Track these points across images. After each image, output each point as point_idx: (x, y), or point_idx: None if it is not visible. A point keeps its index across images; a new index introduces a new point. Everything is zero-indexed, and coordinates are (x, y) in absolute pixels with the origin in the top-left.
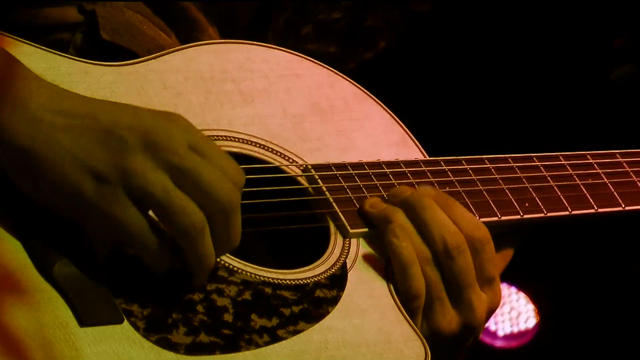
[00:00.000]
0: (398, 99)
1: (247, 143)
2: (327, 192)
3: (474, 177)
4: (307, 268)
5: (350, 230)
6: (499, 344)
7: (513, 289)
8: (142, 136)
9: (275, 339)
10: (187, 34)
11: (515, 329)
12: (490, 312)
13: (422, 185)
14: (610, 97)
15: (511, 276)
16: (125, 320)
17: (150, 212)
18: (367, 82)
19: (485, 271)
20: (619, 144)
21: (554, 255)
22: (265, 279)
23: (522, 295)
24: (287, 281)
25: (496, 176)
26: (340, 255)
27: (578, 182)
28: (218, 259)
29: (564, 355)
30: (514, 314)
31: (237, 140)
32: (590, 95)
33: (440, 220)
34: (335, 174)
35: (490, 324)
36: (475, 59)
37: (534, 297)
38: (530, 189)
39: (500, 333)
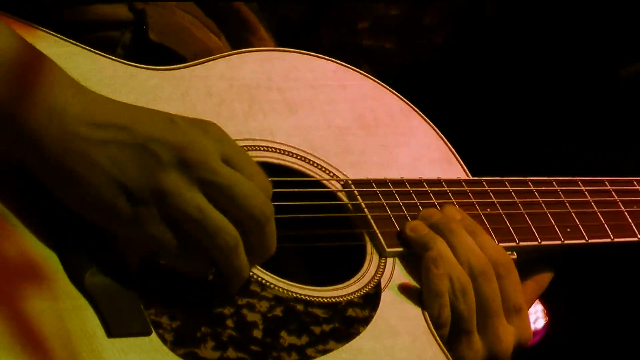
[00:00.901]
0: (443, 114)
1: (286, 154)
2: (365, 210)
3: (516, 200)
4: (340, 286)
5: (387, 250)
6: None
7: None
8: (176, 153)
9: (304, 357)
10: (238, 35)
11: None
12: (519, 345)
13: (447, 206)
14: (621, 95)
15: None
16: (154, 332)
17: None
18: (411, 96)
19: (510, 299)
20: (631, 144)
21: (564, 256)
22: (298, 295)
23: None
24: (320, 299)
25: (539, 200)
26: (375, 274)
27: (623, 209)
28: (251, 273)
29: (573, 356)
30: None
31: (277, 151)
32: (599, 94)
33: (467, 245)
34: (375, 190)
35: None
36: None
37: (543, 298)
38: (573, 214)
39: None
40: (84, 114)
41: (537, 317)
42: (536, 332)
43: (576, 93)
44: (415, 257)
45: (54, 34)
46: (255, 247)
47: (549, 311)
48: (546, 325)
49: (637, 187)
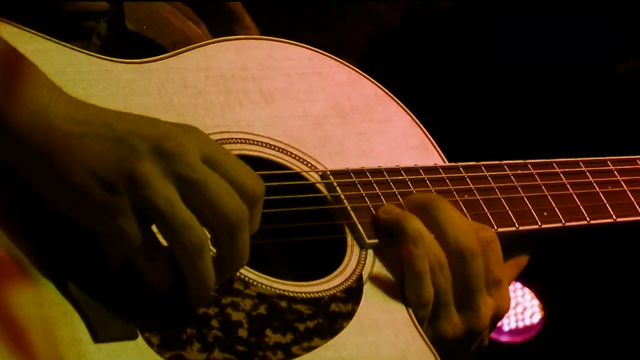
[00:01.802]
0: (418, 99)
1: (265, 146)
2: (345, 201)
3: (493, 185)
4: (323, 280)
5: (367, 241)
6: (504, 338)
7: (518, 284)
8: (154, 143)
9: (289, 355)
10: (222, 24)
11: (521, 324)
12: (497, 317)
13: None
14: (616, 92)
15: None
16: (140, 336)
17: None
18: (387, 82)
19: (492, 273)
20: (626, 141)
21: (559, 250)
22: (281, 291)
23: (527, 290)
24: (303, 294)
25: (515, 184)
26: (356, 267)
27: (598, 190)
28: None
29: (569, 350)
30: (519, 309)
31: (256, 143)
32: (595, 91)
33: (453, 220)
34: (354, 181)
35: None
36: (494, 61)
37: (539, 293)
38: (549, 197)
39: (506, 328)
40: (66, 112)
41: (533, 311)
42: (532, 327)
43: (567, 86)
44: (394, 247)
45: (29, 30)
46: (225, 255)
47: (545, 306)
48: (542, 320)
49: (611, 167)
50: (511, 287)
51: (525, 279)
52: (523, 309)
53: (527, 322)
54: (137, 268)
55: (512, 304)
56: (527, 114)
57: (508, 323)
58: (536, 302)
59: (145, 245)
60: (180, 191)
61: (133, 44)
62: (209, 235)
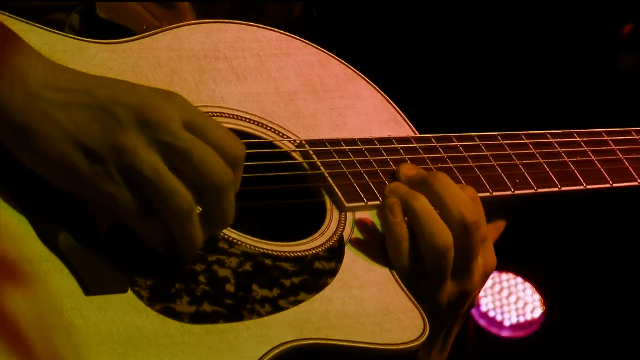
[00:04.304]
0: (387, 78)
1: (241, 119)
2: (322, 167)
3: (464, 154)
4: (304, 241)
5: (347, 204)
6: (505, 333)
7: (519, 280)
8: (136, 113)
9: (277, 308)
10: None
11: (522, 319)
12: (485, 274)
13: (402, 164)
14: (618, 85)
15: (517, 267)
16: (130, 289)
17: None
18: (356, 62)
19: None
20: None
21: (560, 245)
22: (265, 250)
23: (528, 285)
24: (286, 253)
25: (486, 153)
26: (337, 229)
27: (566, 159)
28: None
29: (570, 345)
30: (520, 304)
31: (231, 116)
32: (597, 85)
33: (455, 194)
34: (330, 149)
35: (497, 314)
36: (473, 41)
37: (539, 287)
38: (519, 165)
39: (507, 323)
40: (47, 79)
41: (534, 306)
42: (533, 322)
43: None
44: (373, 210)
45: (3, 12)
46: (211, 216)
47: (546, 300)
48: (543, 315)
49: (578, 139)
50: (512, 282)
51: (526, 273)
52: (524, 303)
53: (528, 317)
54: (135, 230)
55: (513, 299)
56: (527, 110)
57: (509, 318)
58: (537, 297)
59: (141, 208)
60: (165, 159)
61: (105, 33)
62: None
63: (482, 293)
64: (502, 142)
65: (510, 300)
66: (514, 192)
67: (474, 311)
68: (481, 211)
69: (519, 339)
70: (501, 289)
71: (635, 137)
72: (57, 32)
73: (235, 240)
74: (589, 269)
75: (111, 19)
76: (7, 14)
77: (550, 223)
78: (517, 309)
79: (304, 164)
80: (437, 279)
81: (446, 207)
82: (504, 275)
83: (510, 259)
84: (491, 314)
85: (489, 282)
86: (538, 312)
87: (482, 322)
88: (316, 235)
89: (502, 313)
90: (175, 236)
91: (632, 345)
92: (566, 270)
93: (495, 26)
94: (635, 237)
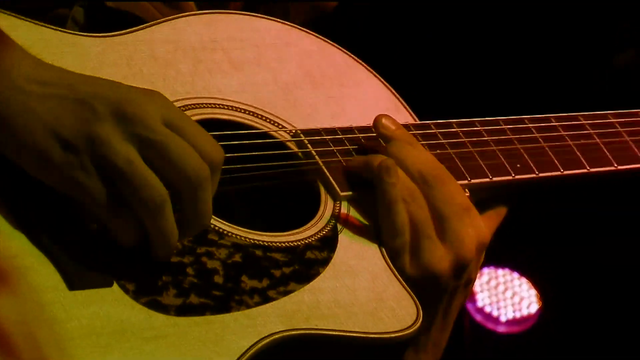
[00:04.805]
0: (389, 65)
1: (237, 110)
2: (316, 156)
3: (464, 139)
4: (297, 231)
5: (341, 193)
6: (501, 329)
7: (515, 275)
8: (114, 107)
9: (266, 299)
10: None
11: (518, 315)
12: (480, 245)
13: (381, 116)
14: (613, 82)
15: (513, 262)
16: (115, 283)
17: None
18: (357, 49)
19: (457, 200)
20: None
21: (556, 241)
22: (256, 241)
23: (524, 280)
24: (278, 243)
25: (487, 138)
26: (330, 218)
27: (570, 142)
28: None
29: (566, 341)
30: (517, 299)
31: (227, 107)
32: (592, 81)
33: (413, 153)
34: (325, 138)
35: (493, 310)
36: (473, 36)
37: (536, 283)
38: (522, 150)
39: (503, 318)
40: (30, 74)
41: (530, 302)
42: (529, 317)
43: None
44: (367, 198)
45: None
46: (188, 213)
47: (542, 296)
48: (539, 310)
49: (583, 122)
50: (509, 278)
51: (522, 269)
52: (520, 299)
53: (525, 312)
54: (106, 225)
55: (509, 294)
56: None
57: (505, 314)
58: (533, 292)
59: (109, 201)
60: (141, 152)
61: (114, 24)
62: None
63: (478, 288)
64: (504, 126)
65: (506, 296)
66: (514, 177)
67: (470, 306)
68: (451, 179)
69: (515, 335)
70: (497, 285)
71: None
72: (52, 27)
73: (226, 232)
74: (586, 264)
75: (119, 7)
76: (2, 10)
77: (546, 218)
78: (513, 305)
79: (299, 154)
80: (421, 241)
81: (404, 166)
82: (500, 271)
83: (506, 255)
84: (487, 309)
85: (485, 277)
86: (534, 308)
87: (478, 317)
88: (309, 225)
89: (499, 308)
90: (148, 231)
91: (629, 341)
92: (563, 266)
93: (495, 19)
94: (633, 233)
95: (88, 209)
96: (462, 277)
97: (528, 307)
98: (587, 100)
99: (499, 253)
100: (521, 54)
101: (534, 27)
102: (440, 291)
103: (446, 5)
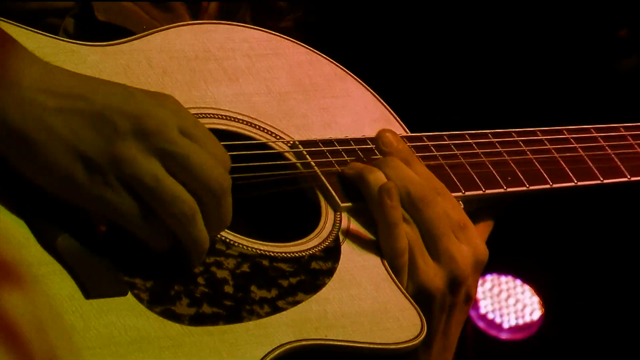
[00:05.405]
0: (378, 78)
1: (233, 120)
2: (315, 167)
3: (456, 152)
4: (301, 241)
5: (341, 204)
6: (504, 336)
7: (518, 282)
8: (133, 122)
9: (275, 309)
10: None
11: (521, 321)
12: (477, 263)
13: (383, 131)
14: (617, 87)
15: (516, 269)
16: (130, 292)
17: None
18: (346, 61)
19: (453, 218)
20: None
21: (559, 247)
22: (262, 251)
23: (527, 287)
24: (283, 254)
25: (477, 151)
26: (332, 229)
27: (556, 155)
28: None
29: (568, 347)
30: (519, 306)
31: (223, 117)
32: (596, 86)
33: (403, 173)
34: (323, 149)
35: (496, 316)
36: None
37: (538, 290)
38: (511, 162)
39: (506, 325)
40: (41, 83)
41: (533, 309)
42: (532, 324)
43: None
44: (367, 209)
45: None
46: (211, 219)
47: (545, 303)
48: (542, 317)
49: (567, 136)
50: (511, 284)
51: (525, 276)
52: (523, 306)
53: (527, 319)
54: (141, 237)
55: (512, 301)
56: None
57: (508, 320)
58: (536, 299)
59: (144, 214)
60: (165, 166)
61: (104, 35)
62: None
63: (480, 295)
64: (492, 139)
65: (509, 303)
66: (506, 189)
67: (472, 313)
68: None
69: (518, 341)
70: (500, 291)
71: (624, 133)
72: (48, 35)
73: (232, 242)
74: (588, 271)
75: (110, 21)
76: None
77: (548, 225)
78: (516, 311)
79: (298, 165)
80: (416, 260)
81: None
82: (503, 278)
83: (509, 262)
84: (490, 316)
85: (487, 285)
86: (537, 315)
87: (481, 324)
88: (312, 235)
89: (501, 315)
90: (183, 241)
91: (632, 348)
92: (565, 273)
93: (491, 26)
94: (634, 239)
95: (120, 224)
96: (458, 293)
97: (531, 314)
98: (585, 107)
99: (501, 260)
100: (520, 59)
101: (533, 34)
102: (437, 307)
103: (438, 15)
